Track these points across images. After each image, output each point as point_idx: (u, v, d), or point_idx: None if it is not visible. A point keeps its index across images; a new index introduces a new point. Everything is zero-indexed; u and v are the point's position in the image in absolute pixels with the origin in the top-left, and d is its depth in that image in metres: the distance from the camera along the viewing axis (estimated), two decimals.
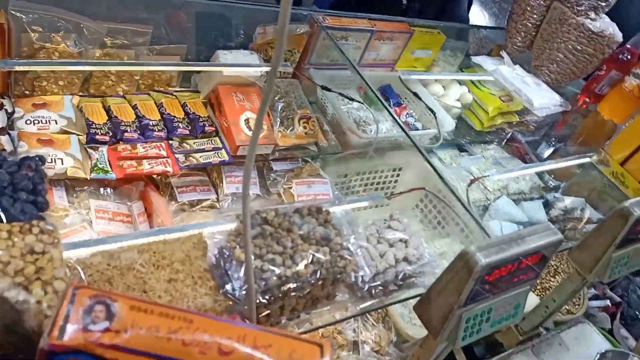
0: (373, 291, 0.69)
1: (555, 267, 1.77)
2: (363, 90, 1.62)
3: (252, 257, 0.60)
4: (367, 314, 1.17)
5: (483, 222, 1.64)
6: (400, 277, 0.72)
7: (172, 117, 1.18)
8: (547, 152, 1.85)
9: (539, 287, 1.63)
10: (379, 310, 1.20)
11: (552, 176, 1.77)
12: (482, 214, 1.68)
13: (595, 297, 1.82)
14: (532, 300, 1.21)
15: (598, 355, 1.03)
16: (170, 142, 1.16)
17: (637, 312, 2.61)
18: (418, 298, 0.76)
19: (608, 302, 1.80)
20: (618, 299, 1.86)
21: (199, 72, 1.31)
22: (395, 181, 1.64)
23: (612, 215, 0.93)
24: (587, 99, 1.82)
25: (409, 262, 0.73)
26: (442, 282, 0.71)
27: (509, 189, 1.72)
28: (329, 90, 1.31)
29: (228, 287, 0.62)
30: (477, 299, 0.72)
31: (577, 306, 1.64)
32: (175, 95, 1.25)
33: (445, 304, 0.71)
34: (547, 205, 1.73)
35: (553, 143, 1.81)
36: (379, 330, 1.15)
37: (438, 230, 1.54)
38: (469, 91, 1.86)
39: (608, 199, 1.51)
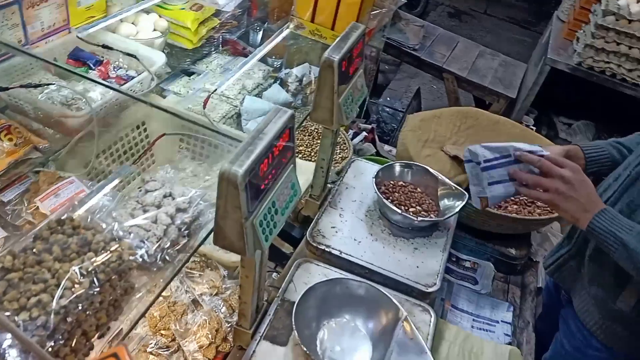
0: (167, 257, 0.68)
1: (313, 130, 1.97)
2: (51, 69, 1.43)
3: (13, 313, 0.52)
4: (187, 270, 1.17)
5: (245, 128, 1.71)
6: (183, 228, 0.71)
7: None
8: (258, 37, 1.94)
9: (309, 154, 1.81)
10: (196, 260, 1.21)
11: (274, 57, 1.89)
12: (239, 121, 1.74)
13: (355, 135, 2.11)
14: (310, 166, 1.35)
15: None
16: None
17: (387, 124, 3.13)
18: (212, 234, 0.77)
19: (365, 134, 2.11)
20: (370, 126, 2.19)
21: None
22: (147, 137, 1.56)
23: (321, 68, 1.05)
24: None
25: (183, 210, 0.73)
26: (220, 208, 0.73)
27: (247, 87, 1.79)
28: (5, 88, 1.11)
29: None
30: (256, 202, 0.76)
31: (346, 150, 1.89)
32: None
33: (234, 224, 0.74)
34: (283, 84, 1.87)
35: (257, 27, 1.90)
36: (207, 276, 1.17)
37: (212, 158, 1.55)
38: (160, 17, 1.78)
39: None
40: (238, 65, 1.44)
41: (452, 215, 1.30)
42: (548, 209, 1.55)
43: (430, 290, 1.15)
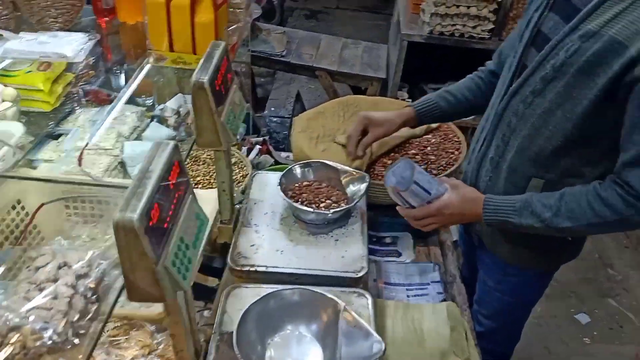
0: (79, 331, 0.63)
1: (206, 157, 1.93)
2: None
3: None
4: (111, 338, 1.08)
5: (134, 175, 1.62)
6: (89, 295, 0.66)
7: None
8: (121, 80, 1.85)
9: (209, 182, 1.77)
10: (118, 325, 1.12)
11: (143, 96, 1.81)
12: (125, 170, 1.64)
13: (249, 151, 2.10)
14: (213, 194, 1.32)
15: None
16: None
17: (278, 133, 3.16)
18: (124, 291, 0.72)
19: (258, 147, 2.11)
20: (261, 138, 2.19)
21: None
22: (27, 214, 1.42)
23: (193, 93, 1.03)
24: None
25: (84, 276, 0.67)
26: (125, 261, 0.69)
27: (123, 133, 1.70)
28: None
29: None
30: (162, 243, 0.72)
31: (244, 168, 1.87)
32: None
33: (145, 273, 0.70)
34: (162, 120, 1.80)
35: (117, 71, 1.81)
36: (134, 337, 1.09)
37: (106, 216, 1.45)
38: (6, 86, 1.63)
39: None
40: (105, 114, 1.36)
41: (360, 199, 1.34)
42: (442, 167, 1.66)
43: (360, 274, 1.18)
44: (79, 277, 0.68)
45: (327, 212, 1.27)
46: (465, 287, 1.50)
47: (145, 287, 0.71)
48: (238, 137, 2.24)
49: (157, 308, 1.10)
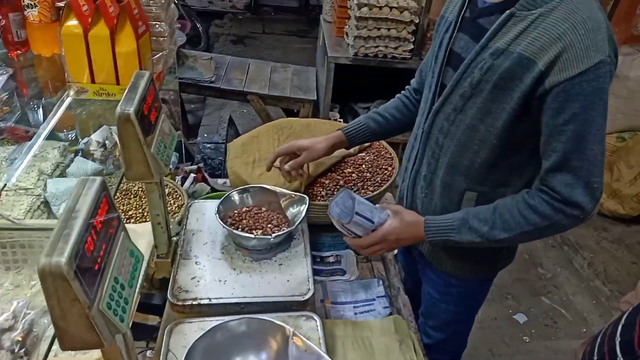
0: None
1: (138, 190, 1.85)
2: None
3: None
4: None
5: (59, 214, 1.52)
6: (17, 349, 0.60)
7: None
8: (39, 115, 1.74)
9: (142, 215, 1.70)
10: None
11: (64, 130, 1.72)
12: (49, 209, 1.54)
13: (184, 180, 2.04)
14: (147, 227, 1.26)
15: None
16: None
17: (213, 159, 3.10)
18: (56, 340, 0.67)
19: (193, 175, 2.05)
20: (195, 166, 2.14)
21: None
22: None
23: (119, 125, 0.98)
24: None
25: (10, 329, 0.62)
26: (55, 308, 0.64)
27: (45, 170, 1.61)
28: None
29: None
30: (94, 286, 0.68)
31: (180, 198, 1.81)
32: None
33: (78, 319, 0.65)
34: (87, 154, 1.72)
35: (34, 106, 1.71)
36: None
37: (31, 261, 1.35)
38: None
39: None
40: (23, 152, 1.28)
41: (301, 220, 1.34)
42: (378, 184, 1.69)
43: (307, 297, 1.17)
44: (3, 331, 0.62)
45: (269, 236, 1.26)
46: (410, 299, 1.53)
47: (79, 334, 0.66)
48: (170, 167, 2.17)
49: (94, 354, 1.03)
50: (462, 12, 1.20)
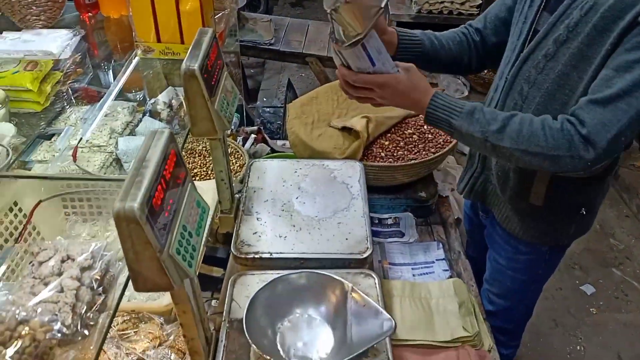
0: (88, 322, 0.61)
1: (202, 149, 1.91)
2: None
3: None
4: (120, 332, 1.07)
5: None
6: (96, 286, 0.65)
7: None
8: (109, 76, 1.82)
9: (206, 173, 1.75)
10: (126, 318, 1.11)
11: (133, 91, 1.79)
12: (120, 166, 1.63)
13: (244, 141, 2.08)
14: (211, 184, 1.30)
15: None
16: None
17: (272, 123, 3.13)
18: (131, 283, 0.71)
19: (253, 136, 2.08)
20: (256, 127, 2.17)
21: None
22: (24, 216, 1.40)
23: (184, 81, 1.00)
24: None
25: (89, 268, 0.66)
26: (129, 251, 0.67)
27: (116, 129, 1.68)
28: None
29: None
30: (165, 232, 0.71)
31: (241, 158, 1.85)
32: None
33: (150, 262, 0.68)
34: (154, 114, 1.78)
35: (105, 67, 1.79)
36: (143, 330, 1.08)
37: (105, 213, 1.44)
38: None
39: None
40: (94, 111, 1.34)
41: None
42: (441, 145, 1.64)
43: (365, 255, 1.17)
44: (84, 269, 0.67)
45: None
46: (471, 265, 1.50)
47: (151, 276, 0.70)
48: (232, 127, 2.22)
49: (164, 300, 1.09)
50: None
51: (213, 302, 1.32)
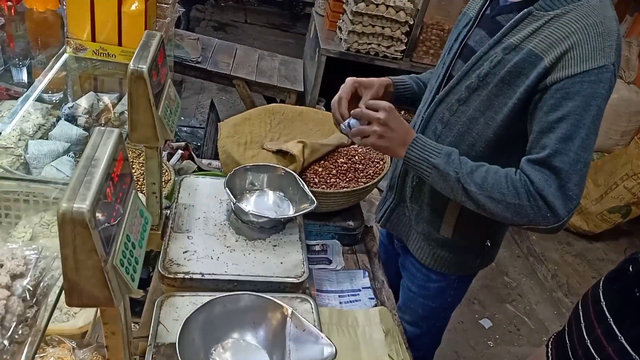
0: (15, 337, 0.52)
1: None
2: None
3: None
4: None
5: (40, 177, 1.44)
6: (28, 296, 0.56)
7: None
8: (23, 73, 1.65)
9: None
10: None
11: (49, 92, 1.63)
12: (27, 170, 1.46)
13: (170, 156, 1.98)
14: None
15: None
16: None
17: (189, 143, 3.02)
18: (62, 296, 0.63)
19: (180, 152, 1.99)
20: (184, 143, 2.08)
21: None
22: None
23: (130, 82, 0.94)
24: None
25: (20, 275, 0.57)
26: (69, 259, 0.60)
27: (27, 131, 1.52)
28: None
29: None
30: (110, 240, 0.64)
31: (167, 173, 1.75)
32: None
33: (92, 272, 0.61)
34: (73, 120, 1.64)
35: (19, 62, 1.62)
36: (51, 355, 0.95)
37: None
38: None
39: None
40: (12, 110, 1.19)
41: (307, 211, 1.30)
42: (370, 176, 1.69)
43: (301, 279, 1.15)
44: (14, 277, 0.57)
45: (281, 217, 1.24)
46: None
47: (90, 289, 0.62)
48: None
49: (78, 321, 0.97)
50: (484, 9, 1.21)
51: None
